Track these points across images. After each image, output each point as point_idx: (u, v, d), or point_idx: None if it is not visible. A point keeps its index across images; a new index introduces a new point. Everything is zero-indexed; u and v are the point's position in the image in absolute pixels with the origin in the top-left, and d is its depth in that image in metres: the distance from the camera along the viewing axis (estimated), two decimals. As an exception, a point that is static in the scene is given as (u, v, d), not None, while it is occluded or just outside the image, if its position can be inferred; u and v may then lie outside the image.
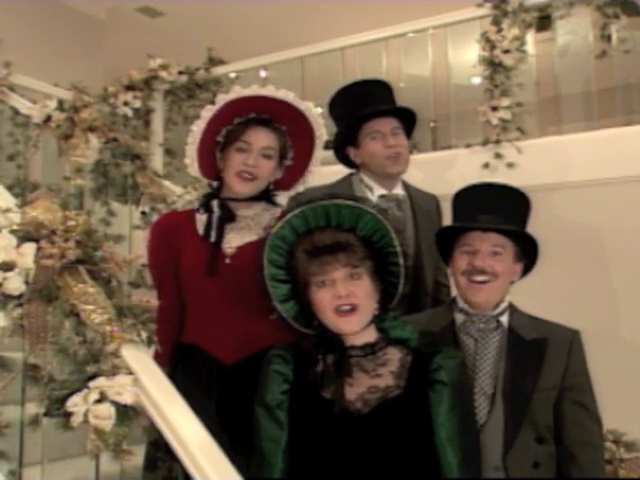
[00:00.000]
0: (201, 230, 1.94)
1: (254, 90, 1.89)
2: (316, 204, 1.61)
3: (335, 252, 1.54)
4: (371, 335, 1.60)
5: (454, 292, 1.92)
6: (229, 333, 1.85)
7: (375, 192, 2.40)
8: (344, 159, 2.51)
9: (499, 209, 1.81)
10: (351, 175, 2.49)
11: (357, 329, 1.56)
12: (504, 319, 1.81)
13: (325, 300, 1.54)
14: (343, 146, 2.47)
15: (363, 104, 2.39)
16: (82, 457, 1.62)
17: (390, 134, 2.37)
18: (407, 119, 2.46)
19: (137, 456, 1.65)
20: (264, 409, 1.56)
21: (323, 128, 2.00)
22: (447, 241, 1.88)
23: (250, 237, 1.92)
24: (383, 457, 1.49)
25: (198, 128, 1.93)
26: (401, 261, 1.62)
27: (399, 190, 2.45)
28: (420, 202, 2.47)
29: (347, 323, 1.55)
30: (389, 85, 2.51)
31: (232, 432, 1.64)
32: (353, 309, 1.54)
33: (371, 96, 2.42)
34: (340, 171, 2.56)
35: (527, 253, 1.84)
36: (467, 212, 1.83)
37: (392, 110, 2.41)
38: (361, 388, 1.54)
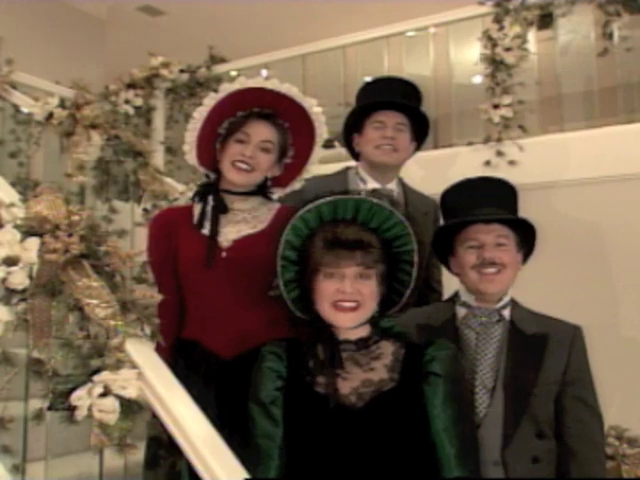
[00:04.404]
0: (195, 220, 1.94)
1: (258, 82, 1.90)
2: (348, 197, 1.61)
3: (354, 249, 1.53)
4: (364, 330, 1.60)
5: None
6: (227, 327, 1.85)
7: (368, 185, 2.40)
8: (352, 151, 2.51)
9: (495, 201, 1.81)
10: (348, 169, 2.50)
11: (352, 326, 1.57)
12: (506, 313, 1.81)
13: (328, 291, 1.54)
14: (351, 133, 2.47)
15: (381, 95, 2.40)
16: (85, 453, 1.63)
17: (392, 127, 2.36)
18: (420, 124, 2.45)
19: (141, 450, 1.65)
20: (258, 406, 1.56)
21: (324, 126, 2.00)
22: (444, 241, 1.87)
23: (246, 230, 1.92)
24: (379, 450, 1.49)
25: (199, 115, 1.93)
26: (414, 273, 1.62)
27: (394, 186, 2.45)
28: (415, 203, 2.45)
29: (344, 319, 1.55)
30: (418, 89, 2.48)
31: (232, 426, 1.63)
32: (355, 307, 1.54)
33: (393, 90, 2.41)
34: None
35: (526, 242, 1.84)
36: (462, 208, 1.83)
37: (403, 107, 2.39)
38: (355, 382, 1.54)
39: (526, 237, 1.83)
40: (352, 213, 1.60)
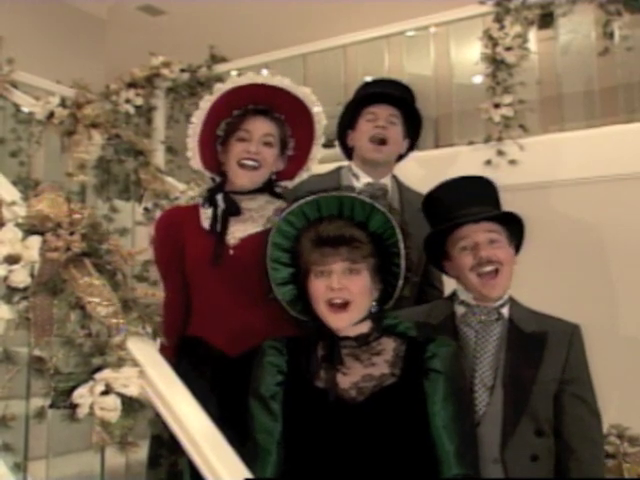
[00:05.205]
0: (206, 224, 1.95)
1: (250, 78, 1.91)
2: (330, 194, 1.62)
3: (337, 245, 1.54)
4: (365, 326, 1.60)
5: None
6: (233, 325, 1.86)
7: (361, 180, 2.40)
8: (345, 149, 2.52)
9: (480, 199, 1.81)
10: (340, 167, 2.51)
11: (346, 325, 1.57)
12: (505, 311, 1.81)
13: (319, 290, 1.55)
14: (345, 130, 2.48)
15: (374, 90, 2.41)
16: (87, 451, 1.63)
17: (385, 119, 2.37)
18: (413, 121, 2.45)
19: (143, 448, 1.65)
20: (258, 401, 1.56)
21: (322, 113, 2.01)
22: (436, 246, 1.86)
23: (253, 229, 1.93)
24: (379, 445, 1.49)
25: (197, 120, 1.94)
26: (403, 263, 1.62)
27: (387, 181, 2.44)
28: (410, 199, 2.43)
29: (337, 319, 1.55)
30: (412, 91, 2.49)
31: (237, 424, 1.64)
32: (345, 304, 1.54)
33: (387, 87, 2.42)
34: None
35: (515, 235, 1.84)
36: (449, 210, 1.82)
37: (396, 101, 2.39)
38: (355, 377, 1.55)
39: (514, 230, 1.83)
40: (337, 209, 1.61)
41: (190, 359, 1.89)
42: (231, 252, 1.90)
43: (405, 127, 2.44)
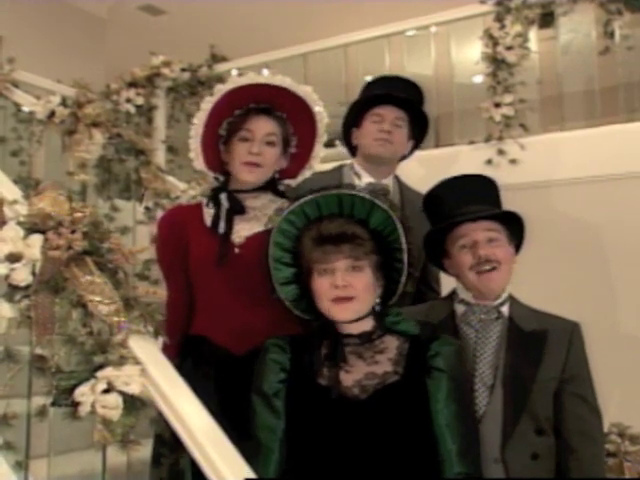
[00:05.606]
0: (209, 222, 1.95)
1: (251, 78, 1.91)
2: (329, 192, 1.62)
3: (339, 243, 1.55)
4: (368, 324, 1.60)
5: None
6: (238, 324, 1.85)
7: (363, 179, 2.40)
8: (349, 146, 2.52)
9: (479, 197, 1.81)
10: (342, 166, 2.50)
11: (351, 318, 1.57)
12: (505, 310, 1.81)
13: (323, 288, 1.55)
14: (350, 128, 2.47)
15: (382, 90, 2.40)
16: (88, 450, 1.63)
17: (390, 122, 2.36)
18: (419, 122, 2.44)
19: (145, 447, 1.65)
20: (261, 398, 1.57)
21: (324, 111, 2.00)
22: (435, 244, 1.86)
23: (258, 228, 1.92)
24: (381, 443, 1.49)
25: (199, 121, 1.94)
26: (405, 259, 1.62)
27: (389, 182, 2.44)
28: (412, 199, 2.41)
29: (342, 310, 1.55)
30: (421, 89, 2.48)
31: (243, 422, 1.64)
32: (350, 299, 1.54)
33: (395, 87, 2.41)
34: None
35: (515, 234, 1.84)
36: (449, 208, 1.82)
37: (402, 103, 2.39)
38: (358, 375, 1.55)
39: (514, 229, 1.83)
40: (337, 208, 1.61)
41: (194, 358, 1.89)
42: (237, 251, 1.90)
43: (410, 128, 2.43)
